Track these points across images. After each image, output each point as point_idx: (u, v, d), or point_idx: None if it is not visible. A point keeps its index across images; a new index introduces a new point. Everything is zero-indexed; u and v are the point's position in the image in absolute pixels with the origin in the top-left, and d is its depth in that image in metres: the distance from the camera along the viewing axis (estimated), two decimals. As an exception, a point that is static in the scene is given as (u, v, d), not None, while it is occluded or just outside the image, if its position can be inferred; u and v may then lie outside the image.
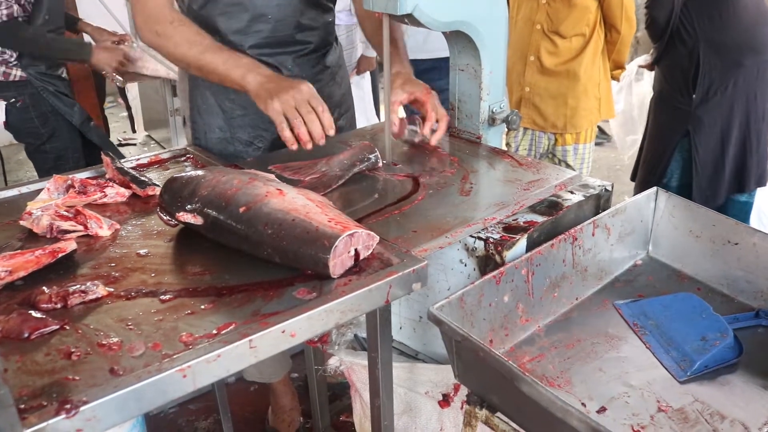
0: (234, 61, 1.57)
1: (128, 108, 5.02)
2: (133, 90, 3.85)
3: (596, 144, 5.39)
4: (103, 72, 2.88)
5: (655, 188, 1.48)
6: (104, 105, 4.09)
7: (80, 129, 2.85)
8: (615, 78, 3.12)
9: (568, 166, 3.02)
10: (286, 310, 0.98)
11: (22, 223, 1.31)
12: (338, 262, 1.06)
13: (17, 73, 2.72)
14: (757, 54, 2.71)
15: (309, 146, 1.44)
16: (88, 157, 2.94)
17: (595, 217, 1.37)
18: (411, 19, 1.38)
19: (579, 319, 1.31)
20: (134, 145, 3.48)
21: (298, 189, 1.22)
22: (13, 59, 2.70)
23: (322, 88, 1.84)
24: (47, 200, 1.44)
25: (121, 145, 3.74)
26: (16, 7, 2.59)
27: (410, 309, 1.54)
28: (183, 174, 1.29)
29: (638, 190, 3.21)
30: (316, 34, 1.83)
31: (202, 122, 1.84)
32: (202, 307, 1.02)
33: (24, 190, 1.54)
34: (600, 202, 1.49)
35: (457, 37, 1.58)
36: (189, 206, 1.22)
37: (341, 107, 1.96)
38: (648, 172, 3.09)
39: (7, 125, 2.79)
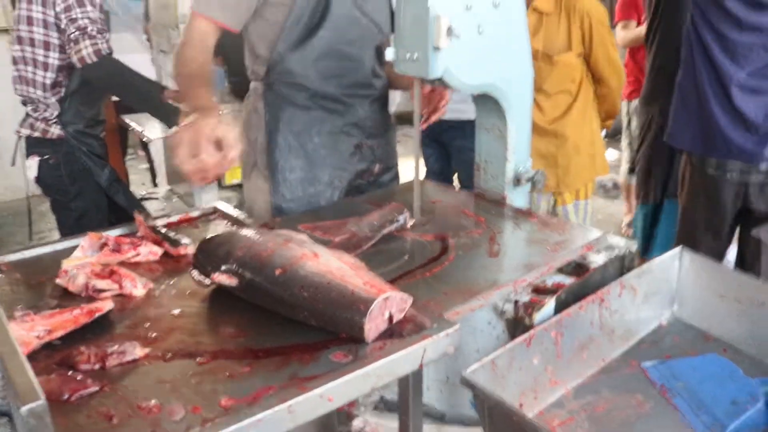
0: (195, 92, 1.66)
1: (150, 161, 5.11)
2: (156, 143, 3.92)
3: (609, 198, 5.46)
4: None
5: (679, 248, 1.50)
6: (125, 157, 4.17)
7: (107, 191, 2.91)
8: (606, 127, 3.15)
9: None
10: (324, 374, 0.99)
11: (58, 281, 1.33)
12: (373, 325, 1.08)
13: (55, 131, 2.79)
14: None
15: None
16: (115, 214, 3.00)
17: (621, 278, 1.38)
18: (441, 82, 1.43)
19: (607, 381, 1.31)
20: (156, 199, 3.54)
21: (332, 251, 1.24)
22: (53, 117, 2.78)
23: (388, 131, 2.11)
24: (82, 258, 1.47)
25: (143, 199, 3.80)
26: (103, 44, 2.66)
27: (437, 370, 1.54)
28: (217, 235, 1.32)
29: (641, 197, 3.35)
30: (383, 81, 2.02)
31: (284, 162, 1.92)
32: (240, 369, 1.03)
33: (58, 247, 1.56)
34: (624, 262, 1.51)
35: (484, 99, 1.63)
36: (224, 267, 1.24)
37: (395, 156, 2.15)
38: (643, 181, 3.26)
39: (38, 180, 2.86)
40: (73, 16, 2.63)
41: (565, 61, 2.78)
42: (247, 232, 1.31)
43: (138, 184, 5.47)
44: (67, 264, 1.40)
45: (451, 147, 3.49)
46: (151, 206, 3.23)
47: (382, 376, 1.01)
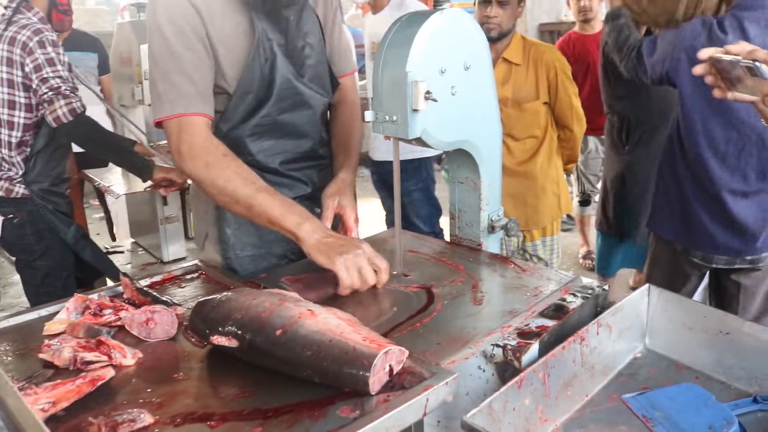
0: (288, 208, 1.63)
1: (106, 212, 5.06)
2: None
3: (563, 230, 5.65)
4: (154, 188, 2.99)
5: (647, 285, 1.59)
6: (81, 207, 4.15)
7: (73, 248, 2.91)
8: (568, 171, 3.35)
9: (540, 259, 3.16)
10: (335, 430, 1.04)
11: (41, 356, 1.32)
12: (376, 379, 1.13)
13: (20, 190, 2.78)
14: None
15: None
16: (82, 271, 2.99)
17: (598, 317, 1.46)
18: (419, 141, 1.51)
19: (592, 416, 1.38)
20: (121, 252, 3.54)
21: (326, 307, 1.30)
22: (18, 176, 2.77)
23: None
24: (65, 321, 1.48)
25: (108, 253, 3.77)
26: (77, 102, 2.67)
27: (429, 415, 1.59)
28: (213, 297, 1.36)
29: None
30: (329, 147, 1.97)
31: (235, 240, 1.89)
32: (252, 430, 1.07)
33: (43, 312, 1.56)
34: (598, 301, 1.59)
35: (456, 153, 1.71)
36: (222, 329, 1.28)
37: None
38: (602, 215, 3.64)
39: (2, 240, 2.84)
40: (44, 76, 2.65)
41: (533, 109, 2.97)
42: (242, 293, 1.35)
43: (93, 234, 5.41)
44: (49, 327, 1.43)
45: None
46: (116, 260, 3.22)
47: (390, 428, 1.06)
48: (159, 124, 1.73)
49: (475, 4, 3.02)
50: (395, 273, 1.63)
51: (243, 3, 1.72)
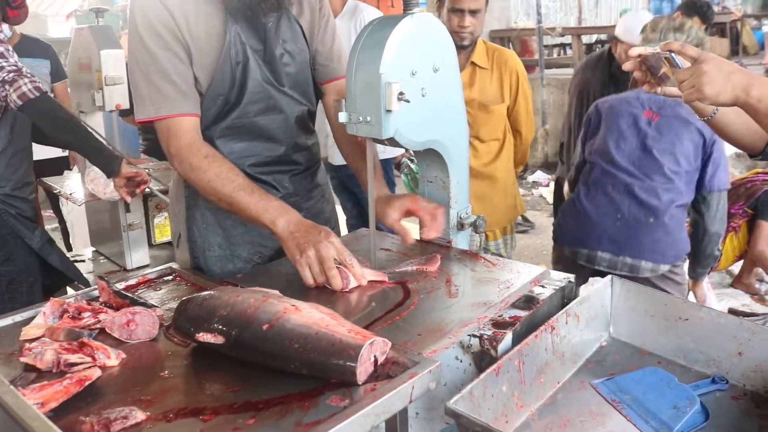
0: (264, 204, 1.68)
1: (61, 221, 4.97)
2: (74, 203, 3.84)
3: (522, 232, 5.78)
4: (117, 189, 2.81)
5: (610, 276, 1.67)
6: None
7: (39, 253, 2.86)
8: (516, 173, 3.50)
9: (501, 257, 3.26)
10: (327, 419, 1.07)
11: (22, 359, 1.32)
12: (363, 369, 1.18)
13: None
14: None
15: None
16: (49, 276, 2.94)
17: (566, 307, 1.53)
18: (391, 141, 1.56)
19: (564, 401, 1.45)
20: (83, 261, 3.49)
21: (309, 303, 1.34)
22: None
23: (315, 205, 2.00)
24: (42, 325, 1.48)
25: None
26: (39, 83, 2.57)
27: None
28: (197, 295, 1.39)
29: None
30: (307, 153, 1.98)
31: (202, 241, 1.92)
32: (245, 422, 1.10)
33: (17, 318, 1.56)
34: (564, 292, 1.67)
35: (426, 153, 1.77)
36: (208, 326, 1.30)
37: (330, 222, 2.10)
38: None
39: None
40: None
41: (499, 111, 3.10)
42: (225, 291, 1.38)
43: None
44: (26, 331, 1.43)
45: (358, 191, 3.66)
46: (80, 268, 3.18)
47: (380, 414, 1.11)
48: (142, 123, 1.79)
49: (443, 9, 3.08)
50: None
51: (219, 7, 1.76)
